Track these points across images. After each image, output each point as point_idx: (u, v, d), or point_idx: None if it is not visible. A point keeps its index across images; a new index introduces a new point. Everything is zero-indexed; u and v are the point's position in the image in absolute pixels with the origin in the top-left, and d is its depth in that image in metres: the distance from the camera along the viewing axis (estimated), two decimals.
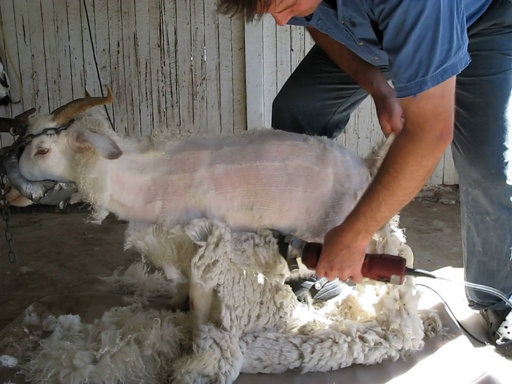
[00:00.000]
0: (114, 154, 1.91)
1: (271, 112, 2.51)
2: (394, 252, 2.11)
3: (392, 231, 2.16)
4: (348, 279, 1.97)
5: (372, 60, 2.09)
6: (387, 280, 1.93)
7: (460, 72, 1.64)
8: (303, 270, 2.06)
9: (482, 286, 2.02)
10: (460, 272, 2.88)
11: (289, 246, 2.00)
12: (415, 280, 2.26)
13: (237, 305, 2.06)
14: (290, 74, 2.57)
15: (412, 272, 1.96)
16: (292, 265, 2.02)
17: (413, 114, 1.67)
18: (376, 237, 2.16)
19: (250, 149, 2.08)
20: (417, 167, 1.70)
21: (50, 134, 1.95)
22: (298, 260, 2.01)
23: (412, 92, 1.63)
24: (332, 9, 1.82)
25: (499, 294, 1.93)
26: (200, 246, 1.95)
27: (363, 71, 2.16)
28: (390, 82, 1.97)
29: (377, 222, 1.83)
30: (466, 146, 2.10)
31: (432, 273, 1.99)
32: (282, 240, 2.02)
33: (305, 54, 4.64)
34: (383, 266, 1.92)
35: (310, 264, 1.97)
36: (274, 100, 2.51)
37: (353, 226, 1.84)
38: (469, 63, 1.66)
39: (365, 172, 2.14)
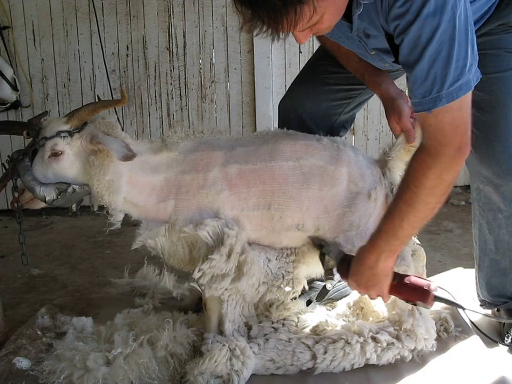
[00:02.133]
0: (129, 156, 1.92)
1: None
2: (408, 252, 2.12)
3: None
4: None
5: (382, 66, 2.11)
6: (414, 304, 1.93)
7: (473, 88, 1.64)
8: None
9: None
10: (471, 273, 2.89)
11: (327, 257, 2.02)
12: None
13: (236, 322, 2.11)
14: None
15: (439, 299, 1.91)
16: (328, 275, 2.03)
17: (431, 128, 1.67)
18: None
19: (264, 149, 2.09)
20: (438, 181, 1.70)
21: (64, 137, 1.96)
22: (335, 270, 2.02)
23: (426, 108, 1.63)
24: (346, 22, 1.83)
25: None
26: (211, 259, 1.95)
27: (371, 73, 2.17)
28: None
29: (400, 241, 1.81)
30: (477, 144, 2.10)
31: (461, 303, 1.94)
32: (321, 250, 2.04)
33: None
34: (410, 292, 1.89)
35: (343, 276, 1.98)
36: (280, 101, 2.52)
37: (375, 246, 1.82)
38: (479, 79, 1.67)
39: (377, 172, 2.14)
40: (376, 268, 1.83)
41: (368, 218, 2.10)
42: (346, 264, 1.96)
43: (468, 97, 1.64)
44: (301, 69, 4.63)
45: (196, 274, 1.97)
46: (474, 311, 1.99)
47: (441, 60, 1.58)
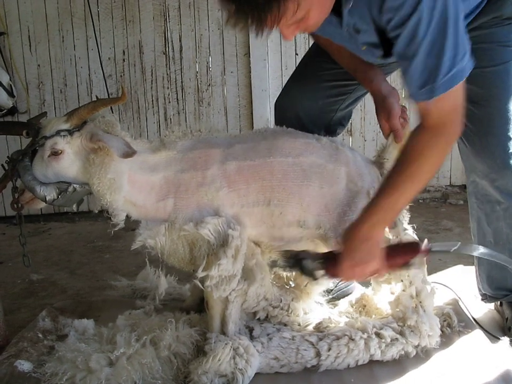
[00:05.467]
0: (129, 153, 1.91)
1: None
2: None
3: (405, 229, 2.16)
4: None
5: (373, 60, 2.11)
6: (410, 266, 1.95)
7: (467, 75, 1.70)
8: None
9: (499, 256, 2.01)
10: (471, 270, 2.88)
11: (305, 263, 1.99)
12: (430, 278, 2.26)
13: (237, 324, 2.12)
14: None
15: (435, 251, 1.95)
16: (315, 279, 2.03)
17: (431, 115, 1.74)
18: (390, 236, 2.17)
19: (263, 146, 2.09)
20: (440, 157, 1.80)
21: (63, 136, 1.95)
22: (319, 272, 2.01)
23: (424, 98, 1.70)
24: (336, 17, 1.84)
25: None
26: (220, 264, 1.95)
27: (363, 70, 2.18)
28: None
29: (395, 213, 1.89)
30: (471, 138, 2.12)
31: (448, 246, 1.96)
32: (297, 258, 2.01)
33: None
34: (405, 253, 1.93)
35: (332, 273, 1.96)
36: (276, 100, 2.50)
37: (370, 219, 1.85)
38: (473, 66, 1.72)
39: (375, 171, 2.16)
40: (371, 239, 1.86)
41: None
42: (330, 259, 1.96)
43: (462, 83, 1.71)
44: None
45: (201, 274, 1.97)
46: (461, 251, 1.98)
47: (436, 51, 1.63)
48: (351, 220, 2.05)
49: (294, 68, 4.71)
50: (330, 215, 2.06)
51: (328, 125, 2.43)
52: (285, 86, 2.52)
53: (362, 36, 1.89)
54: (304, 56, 2.57)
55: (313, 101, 2.37)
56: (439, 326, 2.12)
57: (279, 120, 2.43)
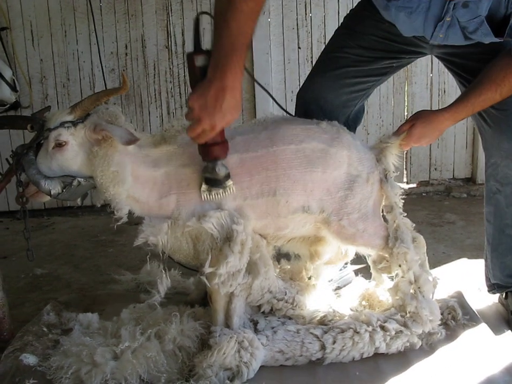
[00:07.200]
0: (131, 140, 1.90)
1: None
2: (408, 235, 2.14)
3: (401, 213, 2.17)
4: None
5: (429, 35, 2.10)
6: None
7: None
8: None
9: None
10: (475, 263, 2.89)
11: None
12: (434, 271, 2.26)
13: (242, 318, 2.12)
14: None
15: None
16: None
17: None
18: (388, 220, 2.18)
19: (264, 136, 2.08)
20: None
21: (67, 127, 1.93)
22: None
23: None
24: None
25: None
26: (228, 262, 1.95)
27: None
28: None
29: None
30: (497, 118, 2.17)
31: None
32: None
33: (313, 52, 4.68)
34: None
35: None
36: (300, 93, 2.48)
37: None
38: None
39: (373, 157, 2.18)
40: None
41: (367, 201, 2.14)
42: None
43: None
44: (300, 64, 4.72)
45: (208, 270, 1.97)
46: None
47: None
48: (352, 204, 2.08)
49: (297, 62, 4.76)
50: (333, 199, 2.08)
51: (347, 120, 2.46)
52: (309, 78, 2.49)
53: (467, 11, 1.91)
54: (328, 46, 2.52)
55: (338, 96, 2.39)
56: (439, 310, 2.14)
57: (302, 112, 2.43)
